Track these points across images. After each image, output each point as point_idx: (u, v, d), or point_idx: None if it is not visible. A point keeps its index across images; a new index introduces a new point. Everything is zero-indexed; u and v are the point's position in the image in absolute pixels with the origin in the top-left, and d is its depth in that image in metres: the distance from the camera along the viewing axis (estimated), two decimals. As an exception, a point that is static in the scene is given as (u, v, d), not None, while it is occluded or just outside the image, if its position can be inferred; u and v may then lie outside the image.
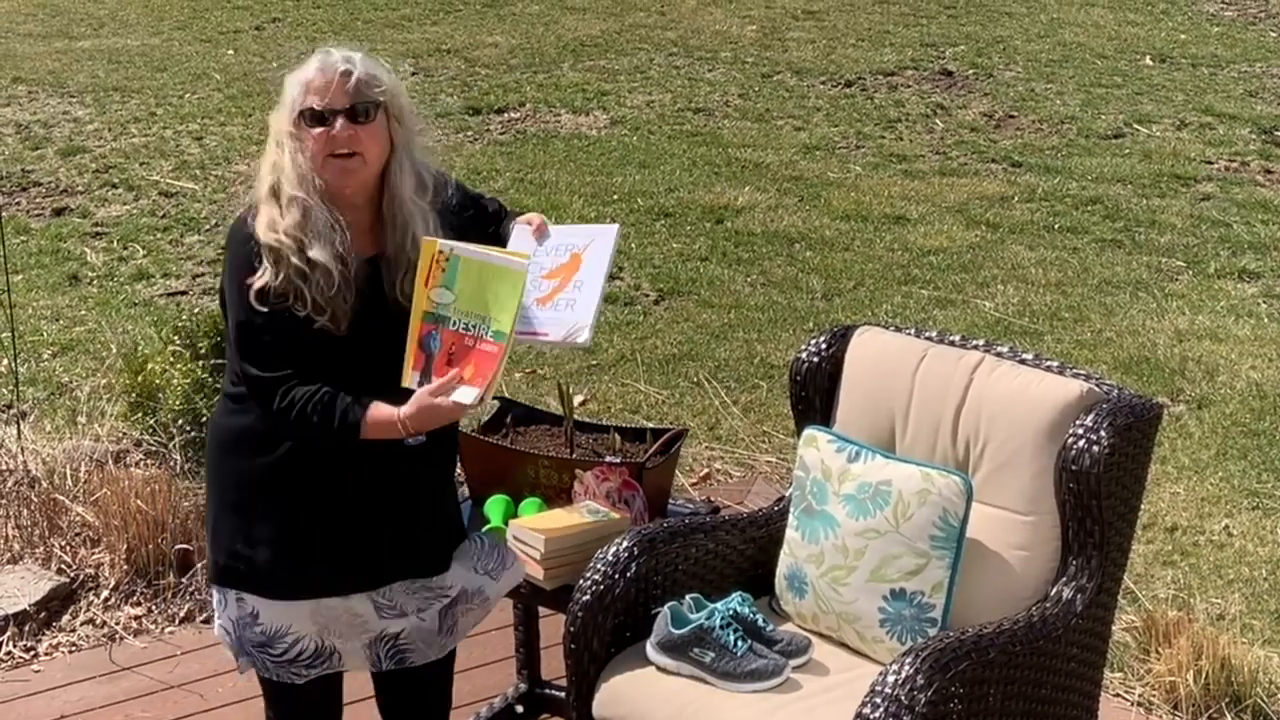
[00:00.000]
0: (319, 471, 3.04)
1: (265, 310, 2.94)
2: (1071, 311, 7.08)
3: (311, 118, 2.97)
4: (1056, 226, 8.26)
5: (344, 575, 3.11)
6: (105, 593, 4.68)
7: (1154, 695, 4.15)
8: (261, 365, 2.95)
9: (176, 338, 5.25)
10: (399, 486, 3.12)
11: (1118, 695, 4.16)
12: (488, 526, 3.65)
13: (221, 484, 3.12)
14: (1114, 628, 3.61)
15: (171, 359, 5.19)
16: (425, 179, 3.12)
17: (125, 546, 4.70)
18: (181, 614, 4.60)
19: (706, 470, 5.51)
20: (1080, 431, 3.23)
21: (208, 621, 4.56)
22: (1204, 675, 4.07)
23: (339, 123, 2.97)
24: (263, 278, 2.94)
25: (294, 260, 2.93)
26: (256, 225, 2.98)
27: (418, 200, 3.07)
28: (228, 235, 3.02)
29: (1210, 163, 9.40)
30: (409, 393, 3.00)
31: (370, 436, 2.97)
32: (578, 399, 5.96)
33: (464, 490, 3.90)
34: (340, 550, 3.09)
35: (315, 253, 2.93)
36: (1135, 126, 10.17)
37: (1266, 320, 6.98)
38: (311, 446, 2.99)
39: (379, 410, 2.96)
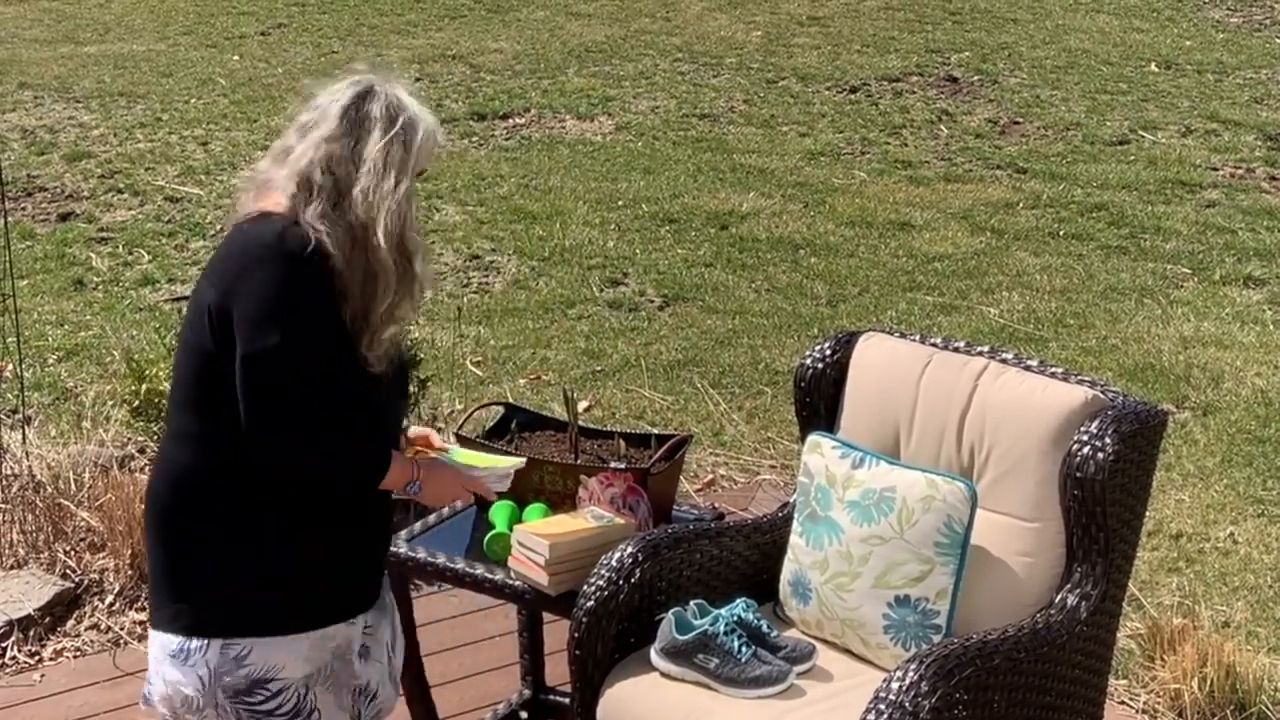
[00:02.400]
0: (308, 501, 2.88)
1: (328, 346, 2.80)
2: (1076, 318, 7.08)
3: (417, 175, 2.90)
4: (1061, 233, 8.26)
5: (343, 600, 2.97)
6: (110, 598, 4.68)
7: (1159, 702, 4.15)
8: (317, 402, 2.78)
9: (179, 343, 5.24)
10: (378, 503, 3.02)
11: (1123, 702, 4.16)
12: (493, 532, 3.65)
13: (197, 529, 2.85)
14: (1119, 635, 3.61)
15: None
16: None
17: (130, 552, 4.70)
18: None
19: (711, 476, 5.51)
20: (1085, 438, 3.23)
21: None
22: (1209, 683, 4.06)
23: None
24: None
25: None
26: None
27: None
28: (295, 258, 2.74)
29: (1215, 169, 9.40)
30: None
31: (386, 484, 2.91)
32: (582, 405, 5.96)
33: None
34: (338, 576, 2.95)
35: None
36: (1140, 133, 10.17)
37: (1272, 327, 6.97)
38: (332, 487, 2.87)
39: (395, 458, 2.92)
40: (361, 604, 3.00)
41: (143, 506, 2.96)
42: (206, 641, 2.84)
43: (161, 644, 2.89)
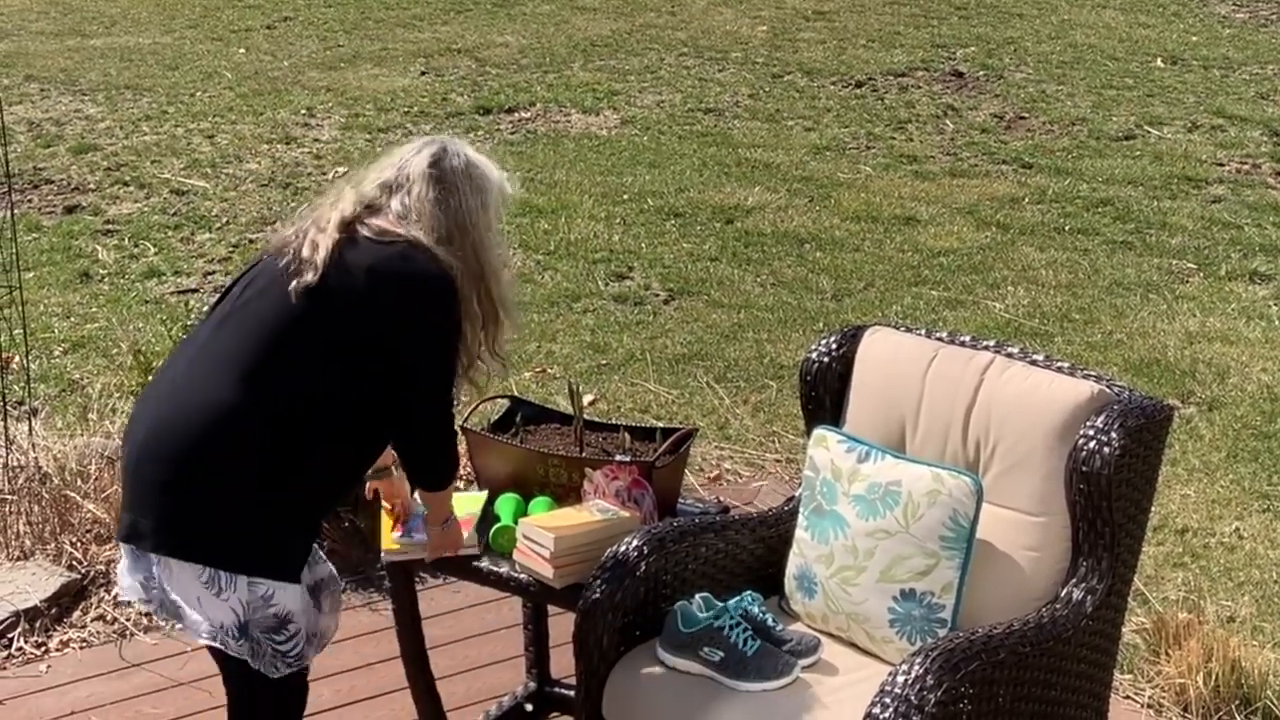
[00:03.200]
0: (334, 468, 3.23)
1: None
2: (1082, 313, 7.08)
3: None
4: (1067, 228, 8.26)
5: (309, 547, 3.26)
6: (116, 589, 4.68)
7: (1164, 697, 4.15)
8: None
9: (185, 335, 5.25)
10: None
11: (1128, 697, 4.16)
12: (498, 525, 3.65)
13: (236, 474, 3.08)
14: (1124, 629, 3.61)
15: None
16: None
17: (136, 543, 4.71)
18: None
19: (717, 471, 5.52)
20: (1091, 433, 3.23)
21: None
22: (1214, 678, 4.07)
23: None
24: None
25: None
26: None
27: None
28: (445, 290, 3.14)
29: (1221, 165, 9.39)
30: None
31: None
32: (587, 398, 5.96)
33: (474, 487, 3.91)
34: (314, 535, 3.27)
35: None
36: (1146, 128, 10.16)
37: (1277, 323, 6.97)
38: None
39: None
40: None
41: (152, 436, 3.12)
42: (234, 577, 3.06)
43: (191, 573, 3.08)
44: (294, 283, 3.09)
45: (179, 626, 3.21)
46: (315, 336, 3.09)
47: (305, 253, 3.12)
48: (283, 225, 3.30)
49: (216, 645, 3.14)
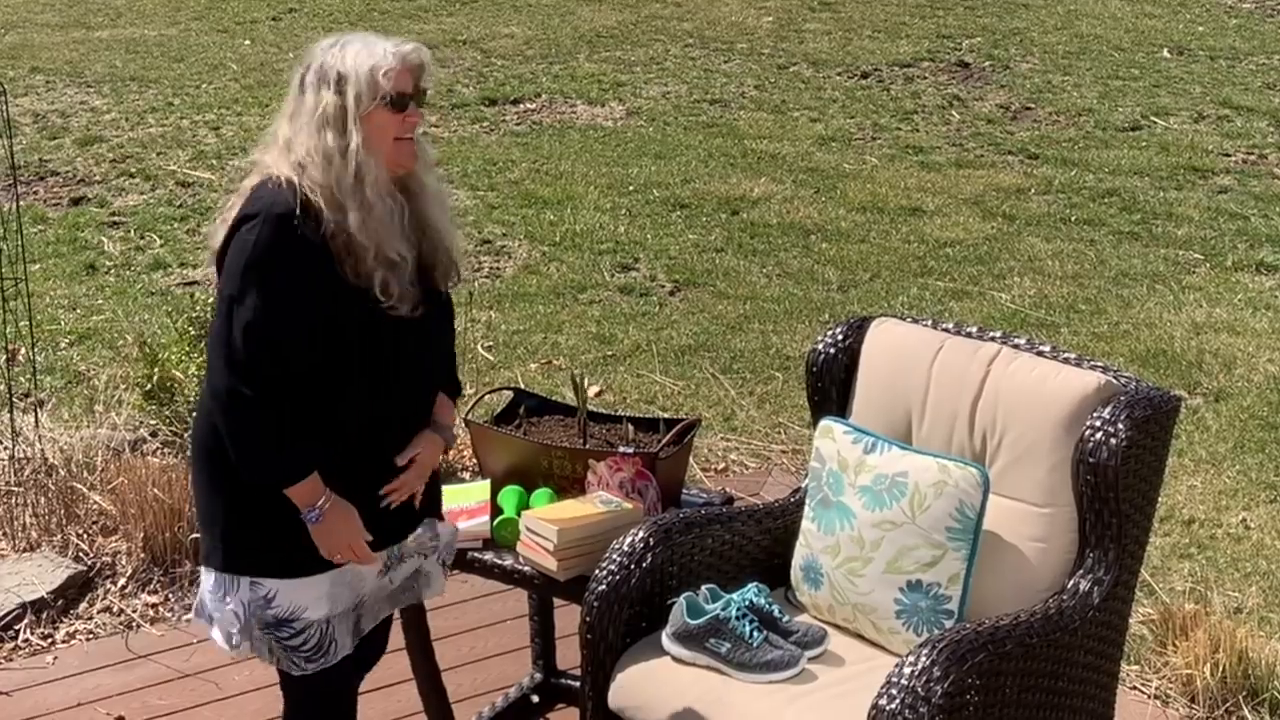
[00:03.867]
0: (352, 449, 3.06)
1: (321, 302, 2.93)
2: (1088, 304, 7.06)
3: (393, 103, 2.98)
4: (1073, 218, 8.24)
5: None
6: (122, 581, 4.69)
7: (1171, 688, 4.14)
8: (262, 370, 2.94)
9: (191, 329, 5.25)
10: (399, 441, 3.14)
11: (1134, 688, 4.15)
12: (501, 517, 3.65)
13: (228, 475, 3.02)
14: (1131, 620, 3.60)
15: (187, 349, 5.20)
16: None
17: (142, 535, 4.72)
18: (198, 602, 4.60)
19: (723, 464, 5.51)
20: (1098, 424, 3.22)
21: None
22: (1221, 668, 4.06)
23: (411, 107, 3.03)
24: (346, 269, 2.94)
25: (385, 253, 2.95)
26: (330, 217, 2.92)
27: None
28: (270, 230, 2.87)
29: (1228, 155, 9.37)
30: (427, 387, 3.19)
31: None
32: (593, 390, 5.96)
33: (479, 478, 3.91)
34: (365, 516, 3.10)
35: (400, 245, 2.97)
36: (1153, 119, 10.14)
37: (1284, 313, 6.96)
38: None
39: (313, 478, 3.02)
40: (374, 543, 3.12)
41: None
42: (236, 579, 3.06)
43: (205, 579, 3.14)
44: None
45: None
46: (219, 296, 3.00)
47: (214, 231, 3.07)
48: None
49: (229, 651, 3.14)
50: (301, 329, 2.91)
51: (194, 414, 3.15)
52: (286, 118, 3.01)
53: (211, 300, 5.50)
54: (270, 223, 2.89)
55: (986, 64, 11.53)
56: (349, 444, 3.04)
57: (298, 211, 2.89)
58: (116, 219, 8.25)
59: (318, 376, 2.96)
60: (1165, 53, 11.91)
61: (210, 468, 3.06)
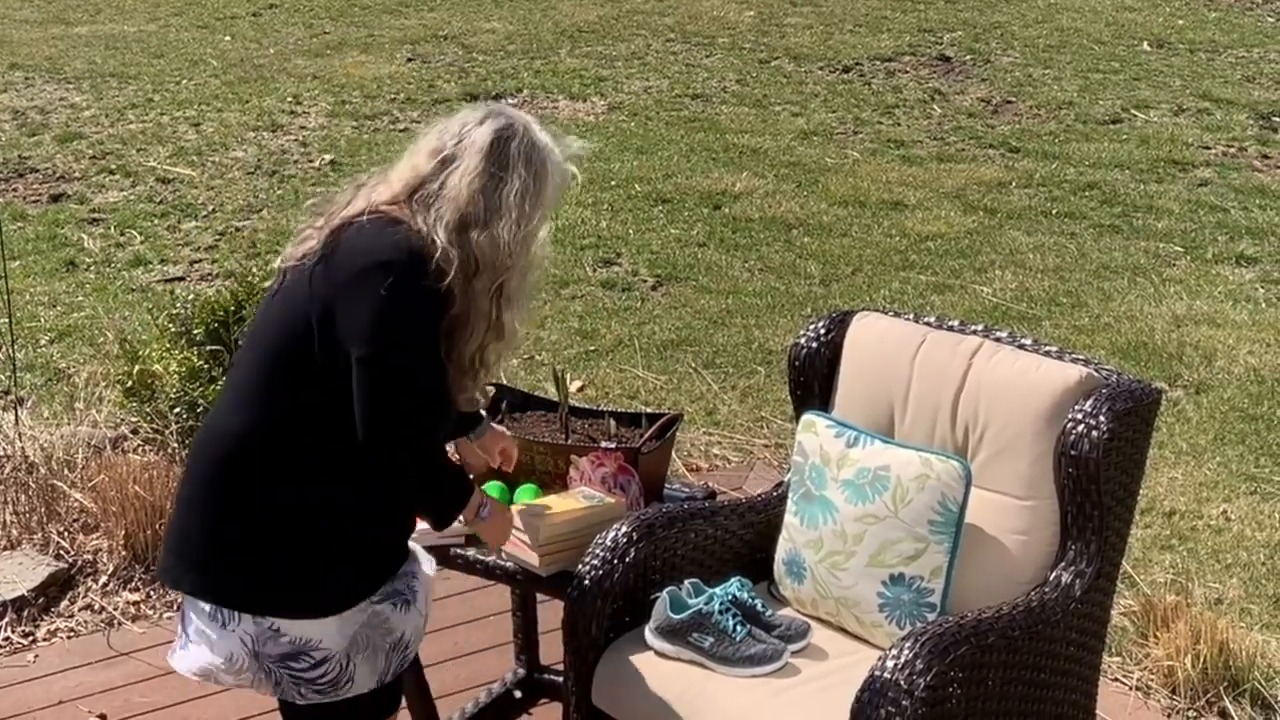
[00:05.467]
0: (342, 497, 2.93)
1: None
2: (1069, 297, 7.08)
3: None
4: (1054, 212, 8.26)
5: (367, 579, 2.98)
6: (104, 578, 4.68)
7: (1152, 679, 4.15)
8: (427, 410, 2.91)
9: (172, 325, 5.24)
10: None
11: (1116, 679, 4.16)
12: None
13: (238, 509, 2.89)
14: (1112, 612, 3.61)
15: (168, 346, 5.18)
16: None
17: (123, 532, 4.70)
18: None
19: (706, 459, 5.51)
20: (1079, 416, 3.23)
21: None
22: (1202, 660, 4.07)
23: None
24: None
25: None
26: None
27: None
28: (409, 264, 2.79)
29: (1208, 148, 9.40)
30: None
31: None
32: (576, 385, 5.95)
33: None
34: (363, 561, 2.98)
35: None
36: (1133, 112, 10.17)
37: (1264, 305, 6.98)
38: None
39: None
40: (385, 577, 3.02)
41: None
42: (237, 613, 2.90)
43: (197, 609, 2.95)
44: (278, 288, 2.92)
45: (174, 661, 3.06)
46: (297, 346, 2.84)
47: (294, 253, 2.92)
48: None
49: (208, 680, 3.00)
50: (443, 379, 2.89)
51: (190, 438, 3.01)
52: (456, 171, 2.89)
53: (191, 296, 5.50)
54: (427, 276, 2.80)
55: (967, 58, 11.55)
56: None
57: (444, 270, 2.82)
58: (96, 216, 8.23)
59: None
60: (1145, 46, 11.94)
61: (216, 497, 2.90)
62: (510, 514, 3.33)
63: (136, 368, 5.23)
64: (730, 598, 3.32)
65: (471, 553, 3.60)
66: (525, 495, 3.67)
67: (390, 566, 3.03)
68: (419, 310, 2.79)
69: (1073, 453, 3.22)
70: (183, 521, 2.97)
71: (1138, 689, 4.15)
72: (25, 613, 4.53)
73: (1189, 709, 4.06)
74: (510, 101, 10.47)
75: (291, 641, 2.90)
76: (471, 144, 2.90)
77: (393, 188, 2.93)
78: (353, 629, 2.95)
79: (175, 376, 5.07)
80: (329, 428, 2.83)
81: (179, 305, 5.29)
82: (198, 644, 2.99)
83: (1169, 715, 4.06)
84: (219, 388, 3.13)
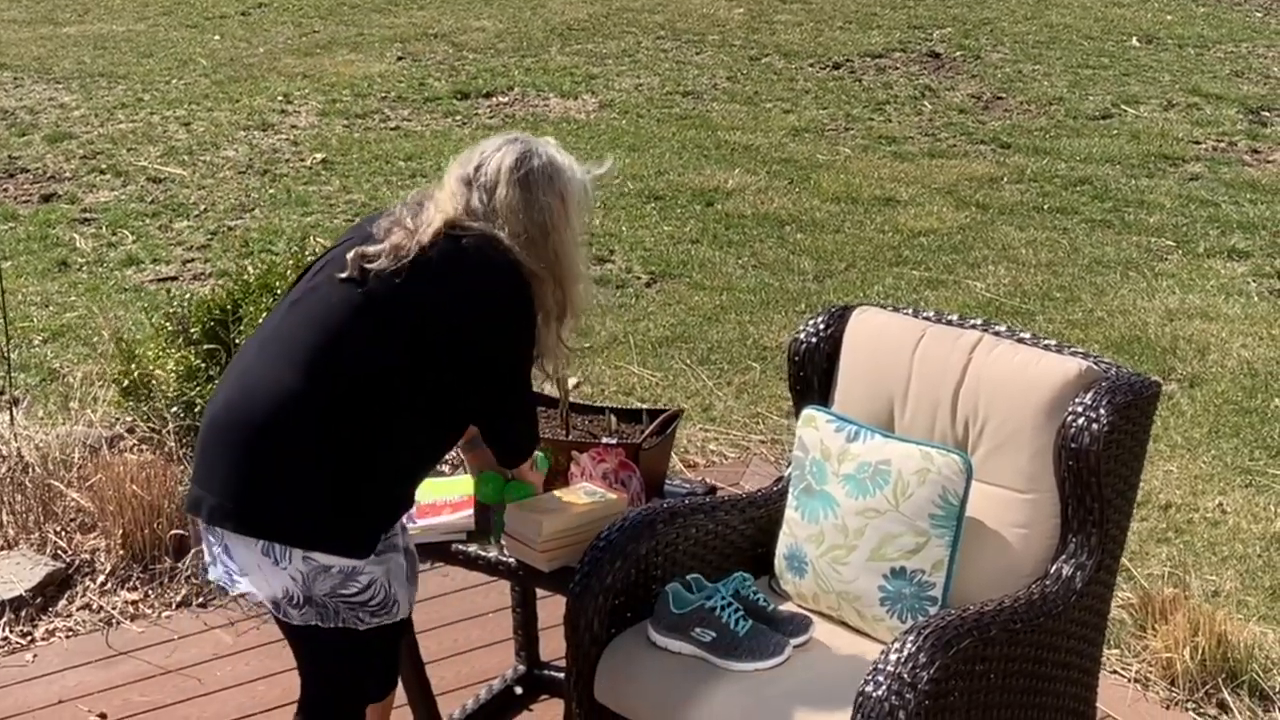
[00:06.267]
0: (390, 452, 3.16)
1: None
2: (1062, 291, 7.10)
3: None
4: (1046, 207, 8.28)
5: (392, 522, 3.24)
6: (101, 578, 4.67)
7: (1151, 671, 4.17)
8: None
9: (168, 324, 5.23)
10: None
11: (1115, 672, 4.18)
12: (483, 474, 3.61)
13: (290, 453, 3.10)
14: (1110, 605, 3.62)
15: (164, 345, 5.18)
16: None
17: (121, 532, 4.70)
18: (178, 598, 4.59)
19: (702, 454, 5.51)
20: (1079, 409, 3.24)
21: (205, 606, 4.57)
22: (1200, 651, 4.09)
23: None
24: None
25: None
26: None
27: None
28: (522, 283, 3.17)
29: (1198, 143, 9.42)
30: None
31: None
32: (571, 382, 5.93)
33: (460, 471, 3.91)
34: (397, 506, 3.23)
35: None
36: (1123, 107, 10.19)
37: (1256, 299, 7.00)
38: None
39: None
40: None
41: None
42: (289, 549, 3.08)
43: (249, 546, 3.12)
44: (366, 268, 3.11)
45: (239, 589, 3.23)
46: (383, 320, 3.09)
47: (385, 244, 3.14)
48: (383, 214, 3.28)
49: (279, 616, 3.19)
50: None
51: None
52: (485, 190, 3.18)
53: (188, 295, 5.49)
54: (524, 297, 3.18)
55: (958, 54, 11.57)
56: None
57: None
58: (88, 215, 8.21)
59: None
60: (1134, 41, 11.96)
61: (272, 446, 3.08)
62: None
63: (134, 367, 5.22)
64: (732, 592, 3.33)
65: (473, 549, 3.60)
66: (516, 490, 3.63)
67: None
68: (531, 329, 3.22)
69: (1073, 446, 3.22)
70: (232, 465, 3.11)
71: (1136, 681, 4.16)
72: (23, 612, 4.52)
73: (1188, 700, 4.07)
74: (501, 99, 10.48)
75: (340, 571, 3.10)
76: (497, 169, 3.19)
77: (450, 210, 3.19)
78: (389, 562, 3.20)
79: (173, 376, 5.06)
80: (393, 395, 3.08)
81: (176, 304, 5.29)
82: (255, 576, 3.15)
83: (1168, 707, 4.07)
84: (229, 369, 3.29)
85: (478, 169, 3.19)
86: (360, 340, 3.10)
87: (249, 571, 3.14)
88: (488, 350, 3.17)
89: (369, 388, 3.08)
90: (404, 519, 3.36)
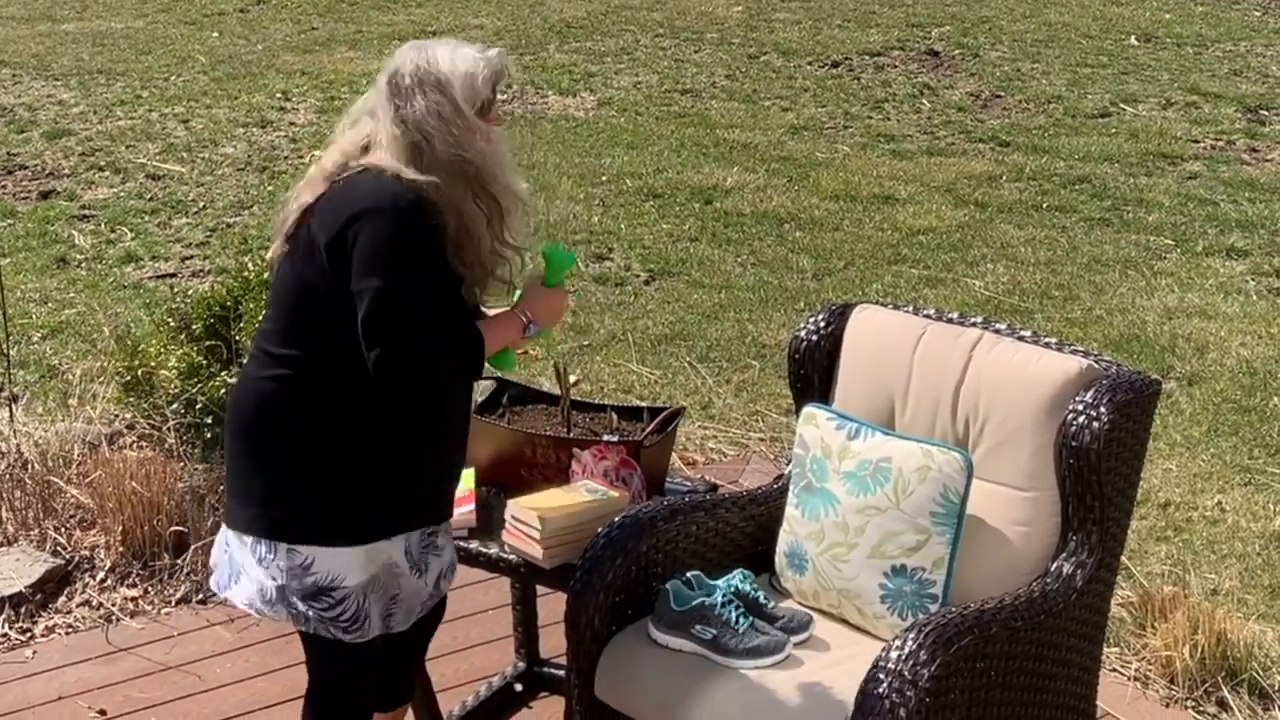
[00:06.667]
0: (393, 420, 3.11)
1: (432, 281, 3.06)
2: (1061, 290, 7.10)
3: (485, 108, 3.10)
4: (1045, 205, 8.28)
5: (391, 519, 3.17)
6: (101, 574, 4.67)
7: (1150, 670, 4.17)
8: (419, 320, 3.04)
9: (171, 320, 5.23)
10: (444, 429, 3.22)
11: (1114, 670, 4.18)
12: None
13: (272, 446, 3.11)
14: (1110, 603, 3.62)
15: (166, 341, 5.17)
16: None
17: (120, 528, 4.69)
18: (178, 595, 4.59)
19: (701, 452, 5.51)
20: (1080, 408, 3.24)
21: (204, 602, 4.56)
22: (1200, 650, 4.09)
23: (495, 111, 3.15)
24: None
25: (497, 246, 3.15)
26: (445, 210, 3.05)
27: None
28: (391, 211, 2.97)
29: (1196, 141, 9.43)
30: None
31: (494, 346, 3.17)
32: (571, 379, 5.94)
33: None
34: (389, 496, 3.16)
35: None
36: (1121, 106, 10.19)
37: (1255, 297, 7.01)
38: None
39: (492, 319, 3.21)
40: (408, 523, 3.20)
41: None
42: (274, 544, 3.10)
43: (243, 543, 3.16)
44: (280, 248, 3.13)
45: (227, 594, 3.25)
46: (306, 294, 3.07)
47: (286, 214, 3.15)
48: None
49: (251, 612, 3.20)
50: (441, 298, 3.05)
51: (226, 391, 3.19)
52: (376, 117, 3.06)
53: (190, 290, 5.49)
54: (400, 214, 2.97)
55: (956, 52, 11.57)
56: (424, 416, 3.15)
57: (420, 205, 3.00)
58: (87, 212, 8.21)
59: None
60: (1133, 40, 11.97)
61: (254, 440, 3.12)
62: (550, 291, 3.27)
63: (137, 362, 5.22)
64: (732, 590, 3.33)
65: (474, 545, 3.61)
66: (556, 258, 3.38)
67: (417, 519, 3.21)
68: (417, 244, 2.99)
69: (1073, 444, 3.23)
70: (228, 466, 3.20)
71: (1136, 679, 4.17)
72: (23, 609, 4.52)
73: (1187, 698, 4.08)
74: (500, 97, 10.46)
75: (318, 579, 3.10)
76: (378, 94, 3.07)
77: (346, 150, 3.11)
78: (375, 569, 3.15)
79: (174, 372, 5.06)
80: (356, 372, 3.01)
81: (178, 300, 5.29)
82: (242, 578, 3.18)
83: (1167, 705, 4.08)
84: (227, 377, 3.30)
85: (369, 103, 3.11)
86: (301, 318, 3.08)
87: (244, 571, 3.17)
88: (363, 287, 2.94)
89: (316, 366, 3.05)
90: (443, 543, 3.30)
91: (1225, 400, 5.95)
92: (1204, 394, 6.00)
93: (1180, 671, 4.10)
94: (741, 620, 3.27)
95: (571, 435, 3.83)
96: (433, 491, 3.25)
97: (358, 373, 3.00)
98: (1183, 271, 7.33)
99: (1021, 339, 3.47)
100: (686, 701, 3.20)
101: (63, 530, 4.82)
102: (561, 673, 3.77)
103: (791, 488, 3.52)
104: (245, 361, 3.24)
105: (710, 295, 7.06)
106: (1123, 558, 4.29)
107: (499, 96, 3.15)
